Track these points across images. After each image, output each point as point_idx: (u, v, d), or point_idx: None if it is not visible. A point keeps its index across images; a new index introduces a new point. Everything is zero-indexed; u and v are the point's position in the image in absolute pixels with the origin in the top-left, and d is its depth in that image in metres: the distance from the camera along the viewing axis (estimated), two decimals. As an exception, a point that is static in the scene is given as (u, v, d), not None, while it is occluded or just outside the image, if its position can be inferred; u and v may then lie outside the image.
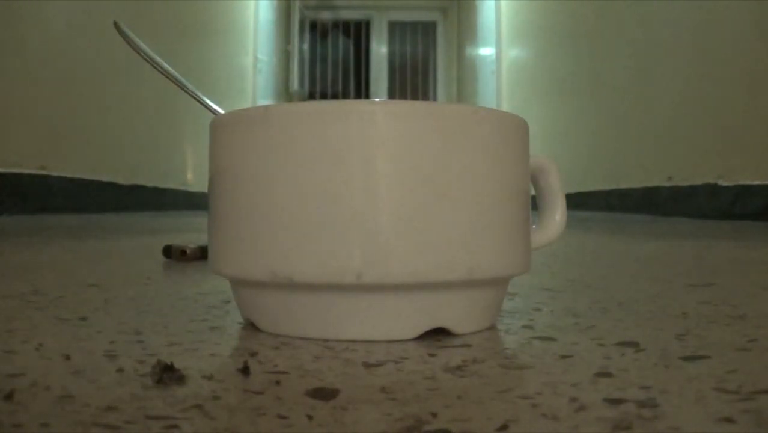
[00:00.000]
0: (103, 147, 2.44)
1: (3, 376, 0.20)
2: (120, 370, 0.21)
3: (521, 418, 0.17)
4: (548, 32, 3.59)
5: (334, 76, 5.97)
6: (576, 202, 2.72)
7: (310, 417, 0.17)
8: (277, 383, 0.20)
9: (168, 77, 0.35)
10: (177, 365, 0.21)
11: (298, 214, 0.24)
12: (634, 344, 0.25)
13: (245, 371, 0.21)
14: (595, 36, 2.82)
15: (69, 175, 2.14)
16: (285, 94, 5.51)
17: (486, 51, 4.90)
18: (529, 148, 0.28)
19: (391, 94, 5.97)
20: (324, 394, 0.19)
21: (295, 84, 5.64)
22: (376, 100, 0.29)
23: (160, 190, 3.00)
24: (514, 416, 0.17)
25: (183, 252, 0.58)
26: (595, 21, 2.83)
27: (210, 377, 0.20)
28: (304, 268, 0.24)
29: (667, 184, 2.05)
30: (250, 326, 0.28)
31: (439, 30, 6.08)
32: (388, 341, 0.25)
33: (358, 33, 5.97)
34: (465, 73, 5.65)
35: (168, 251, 0.60)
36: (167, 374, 0.20)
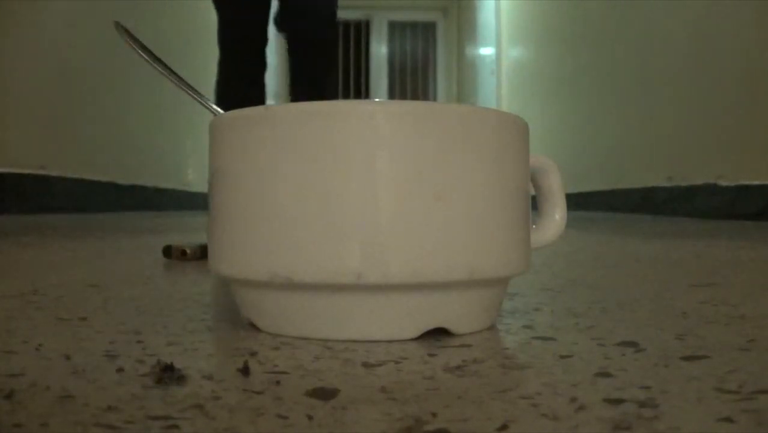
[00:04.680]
0: (103, 147, 2.44)
1: (3, 376, 0.20)
2: (120, 370, 0.21)
3: (521, 418, 0.17)
4: (548, 32, 3.59)
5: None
6: (576, 202, 2.72)
7: (310, 417, 0.17)
8: (277, 383, 0.20)
9: (168, 77, 0.35)
10: (177, 365, 0.21)
11: (298, 214, 0.24)
12: (634, 344, 0.25)
13: (245, 371, 0.21)
14: (596, 36, 2.82)
15: (69, 175, 2.14)
16: (285, 94, 5.51)
17: (486, 51, 4.90)
18: (529, 148, 0.28)
19: (391, 94, 5.97)
20: (324, 394, 0.19)
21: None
22: (376, 100, 0.29)
23: (160, 191, 3.00)
24: (514, 416, 0.17)
25: (183, 252, 0.58)
26: (596, 21, 2.83)
27: (210, 377, 0.20)
28: (304, 268, 0.24)
29: (667, 184, 2.05)
30: (250, 326, 0.28)
31: (439, 30, 6.08)
32: (388, 341, 0.25)
33: (358, 33, 5.97)
34: (465, 73, 5.66)
35: (168, 251, 0.60)
36: (167, 374, 0.20)
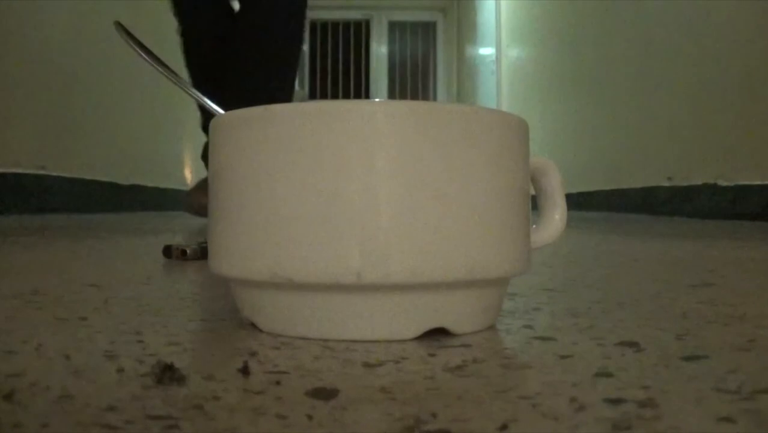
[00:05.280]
0: (103, 147, 2.44)
1: (3, 376, 0.20)
2: (120, 370, 0.21)
3: (521, 418, 0.17)
4: (548, 32, 3.59)
5: (334, 76, 5.98)
6: (576, 202, 2.72)
7: (310, 417, 0.17)
8: (277, 383, 0.20)
9: (168, 77, 0.35)
10: (177, 365, 0.21)
11: (298, 214, 0.24)
12: (634, 344, 0.25)
13: (245, 371, 0.21)
14: (595, 36, 2.82)
15: (69, 175, 2.14)
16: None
17: (486, 51, 4.90)
18: (529, 148, 0.28)
19: (391, 94, 5.97)
20: (324, 394, 0.19)
21: (295, 84, 5.64)
22: (376, 100, 0.29)
23: (160, 191, 3.00)
24: (514, 416, 0.17)
25: (183, 252, 0.58)
26: (595, 21, 2.83)
27: (210, 377, 0.20)
28: (304, 268, 0.24)
29: (667, 184, 2.05)
30: (250, 326, 0.28)
31: (439, 30, 6.08)
32: (388, 341, 0.25)
33: (358, 33, 5.97)
34: (465, 73, 5.66)
35: (168, 251, 0.60)
36: (167, 374, 0.20)
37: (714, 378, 0.20)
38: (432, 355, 0.23)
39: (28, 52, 1.93)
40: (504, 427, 0.16)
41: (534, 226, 0.31)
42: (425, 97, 5.95)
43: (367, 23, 6.00)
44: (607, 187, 2.53)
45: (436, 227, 0.24)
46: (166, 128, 3.14)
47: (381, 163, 0.24)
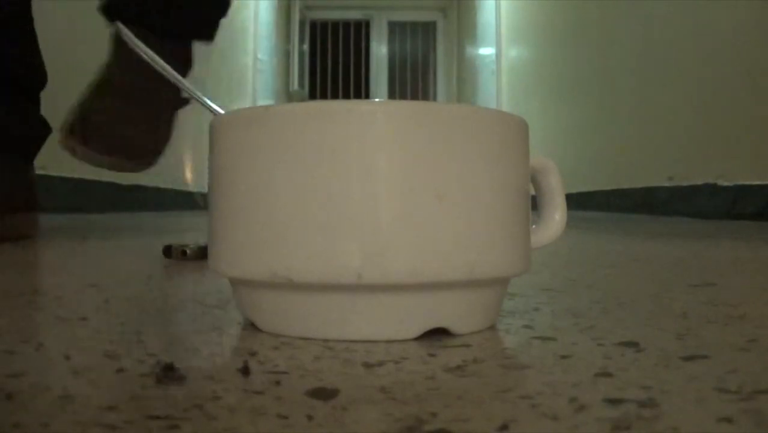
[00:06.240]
0: (103, 147, 2.43)
1: (3, 376, 0.20)
2: (120, 370, 0.21)
3: (521, 418, 0.17)
4: (548, 32, 3.59)
5: (334, 76, 5.98)
6: (577, 202, 2.72)
7: (310, 417, 0.17)
8: (277, 383, 0.20)
9: (168, 76, 0.35)
10: (177, 365, 0.21)
11: (298, 214, 0.24)
12: (634, 344, 0.25)
13: (245, 371, 0.21)
14: (596, 36, 2.82)
15: (69, 175, 2.14)
16: (285, 94, 5.52)
17: (486, 51, 4.90)
18: (529, 148, 0.28)
19: (391, 94, 5.97)
20: (324, 394, 0.19)
21: (295, 84, 5.65)
22: (376, 100, 0.29)
23: (160, 191, 3.00)
24: (514, 416, 0.17)
25: (183, 252, 0.58)
26: (596, 21, 2.83)
27: (210, 377, 0.20)
28: (304, 268, 0.24)
29: (667, 184, 2.05)
30: (250, 326, 0.28)
31: (439, 30, 6.09)
32: (388, 341, 0.25)
33: (358, 33, 5.97)
34: (465, 73, 5.66)
35: (168, 251, 0.60)
36: (167, 374, 0.20)
37: (714, 378, 0.20)
38: (432, 355, 0.23)
39: (28, 52, 1.93)
40: (504, 427, 0.16)
41: (534, 226, 0.31)
42: (425, 97, 5.95)
43: (367, 23, 6.00)
44: (608, 187, 2.53)
45: (435, 227, 0.24)
46: (166, 128, 3.14)
47: (381, 164, 0.24)
